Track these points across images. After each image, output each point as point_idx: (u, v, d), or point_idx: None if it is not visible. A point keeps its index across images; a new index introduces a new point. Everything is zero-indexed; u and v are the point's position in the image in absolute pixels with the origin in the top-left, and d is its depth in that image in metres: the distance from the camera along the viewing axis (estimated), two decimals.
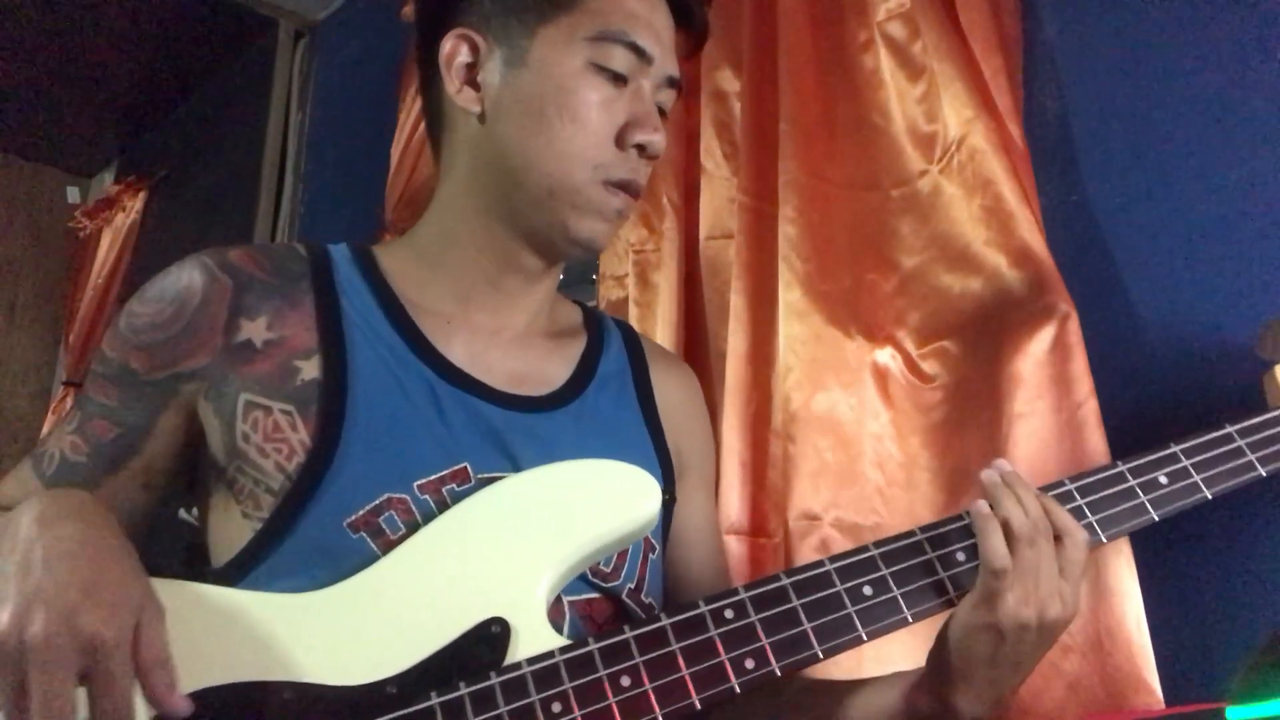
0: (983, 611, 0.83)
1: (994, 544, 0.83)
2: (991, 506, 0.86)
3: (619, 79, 0.98)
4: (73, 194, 4.39)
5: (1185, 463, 0.93)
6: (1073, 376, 1.25)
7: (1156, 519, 0.92)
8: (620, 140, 0.98)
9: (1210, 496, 0.92)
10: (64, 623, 0.67)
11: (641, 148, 0.99)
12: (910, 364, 1.47)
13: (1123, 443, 0.97)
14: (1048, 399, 1.27)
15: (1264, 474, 0.94)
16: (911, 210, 1.51)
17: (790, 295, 1.51)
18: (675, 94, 1.05)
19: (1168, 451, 0.94)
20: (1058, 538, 0.85)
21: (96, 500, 0.82)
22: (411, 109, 2.50)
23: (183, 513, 1.03)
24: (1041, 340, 1.29)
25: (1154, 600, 1.15)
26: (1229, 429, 0.96)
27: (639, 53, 0.98)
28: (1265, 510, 1.14)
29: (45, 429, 3.91)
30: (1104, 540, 0.90)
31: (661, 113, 1.03)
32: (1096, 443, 1.20)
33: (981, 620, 0.83)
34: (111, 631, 0.68)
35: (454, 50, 1.01)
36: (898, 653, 1.27)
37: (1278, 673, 0.95)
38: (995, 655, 0.83)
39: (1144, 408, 1.26)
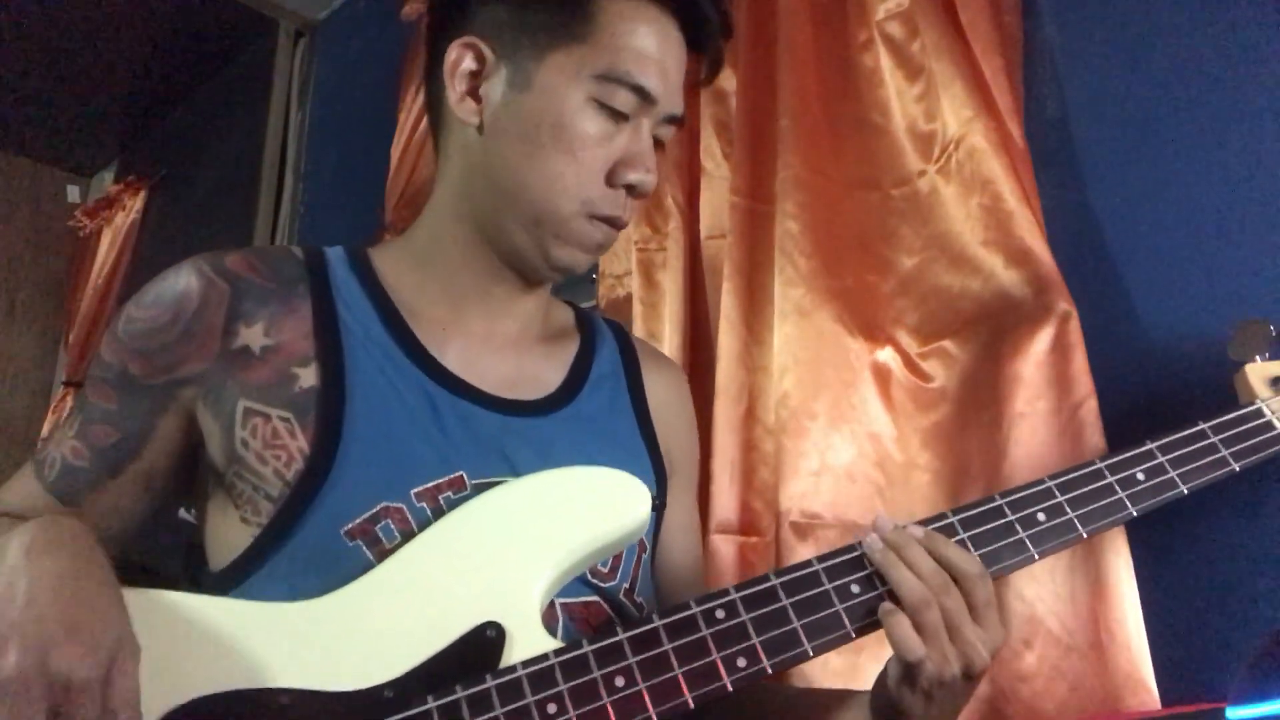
0: (906, 684, 0.82)
1: (902, 635, 0.81)
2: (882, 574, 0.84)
3: (619, 115, 0.98)
4: (73, 194, 4.40)
5: (1161, 459, 0.95)
6: (1073, 376, 1.26)
7: (1135, 514, 0.93)
8: (611, 177, 0.98)
9: (1186, 491, 0.94)
10: (38, 660, 0.66)
11: (630, 187, 0.99)
12: (910, 364, 1.47)
13: (1122, 442, 0.98)
14: (1048, 398, 1.27)
15: (1237, 469, 0.97)
16: (911, 210, 1.51)
17: (793, 292, 1.51)
18: (676, 128, 1.05)
19: (1144, 449, 0.96)
20: (956, 581, 0.83)
21: (86, 530, 0.81)
22: (411, 109, 2.50)
23: (182, 512, 1.03)
24: (1041, 340, 1.29)
25: (1152, 601, 1.15)
26: (1202, 426, 0.98)
27: (643, 95, 0.98)
28: (1264, 510, 1.14)
29: (45, 429, 3.91)
30: (1084, 536, 0.91)
31: (659, 143, 1.03)
32: (1096, 442, 1.20)
33: (908, 692, 0.82)
34: (83, 672, 0.67)
35: (459, 59, 1.00)
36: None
37: (1278, 673, 0.95)
38: (928, 708, 0.83)
39: (1144, 407, 1.25)
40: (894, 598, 0.83)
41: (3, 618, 0.68)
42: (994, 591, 0.84)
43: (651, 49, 0.98)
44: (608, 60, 0.96)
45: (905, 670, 0.82)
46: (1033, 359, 1.29)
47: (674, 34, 1.01)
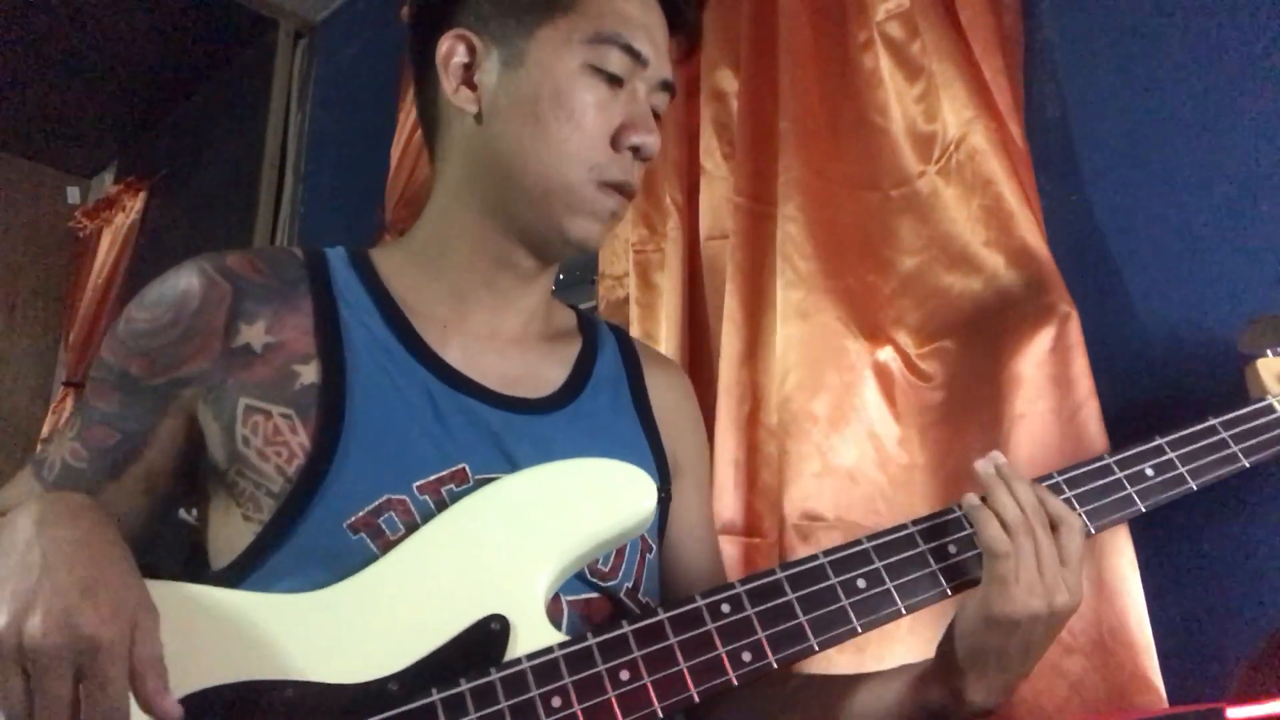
0: (994, 604, 0.83)
1: (992, 532, 0.84)
2: (984, 499, 0.87)
3: (614, 81, 0.99)
4: (73, 194, 4.40)
5: (1171, 454, 0.95)
6: (1073, 377, 1.25)
7: (1144, 510, 0.93)
8: (615, 142, 0.99)
9: (1195, 487, 0.94)
10: (62, 623, 0.67)
11: (636, 149, 1.00)
12: (910, 364, 1.47)
13: (1124, 442, 0.98)
14: (1048, 399, 1.27)
15: (1247, 464, 0.96)
16: (911, 210, 1.51)
17: (793, 294, 1.51)
18: (669, 97, 1.06)
19: (1153, 444, 0.96)
20: (1054, 526, 0.86)
21: (95, 503, 0.82)
22: (411, 109, 2.49)
23: (182, 512, 1.03)
24: (1042, 340, 1.29)
25: (1156, 599, 1.15)
26: (1212, 421, 0.98)
27: (634, 55, 0.99)
28: (1267, 510, 1.14)
29: (45, 429, 3.91)
30: (1092, 531, 0.91)
31: (656, 115, 1.04)
32: (1098, 442, 1.20)
33: (992, 613, 0.83)
34: (108, 633, 0.68)
35: (451, 50, 1.02)
36: (900, 654, 1.27)
37: (1278, 673, 0.95)
38: (1006, 646, 0.84)
39: (1145, 407, 1.26)
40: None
41: (23, 585, 0.69)
42: (1084, 555, 0.87)
43: (634, 12, 1.01)
44: (595, 25, 0.99)
45: (993, 586, 0.83)
46: (1033, 359, 1.29)
47: (652, 1, 1.04)
